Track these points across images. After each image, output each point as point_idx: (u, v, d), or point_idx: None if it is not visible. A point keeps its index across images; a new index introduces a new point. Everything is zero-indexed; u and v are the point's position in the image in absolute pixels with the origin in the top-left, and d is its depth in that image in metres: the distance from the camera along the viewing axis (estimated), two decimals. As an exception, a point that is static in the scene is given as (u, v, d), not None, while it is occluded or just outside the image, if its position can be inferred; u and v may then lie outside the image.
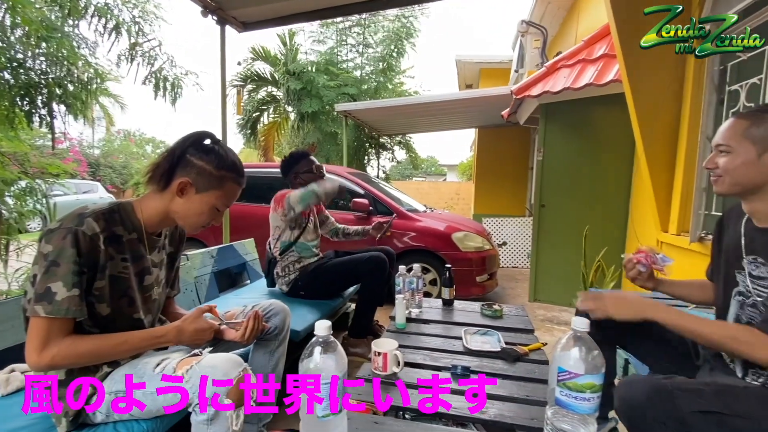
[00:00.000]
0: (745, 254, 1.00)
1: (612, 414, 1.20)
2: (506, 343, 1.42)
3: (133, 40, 3.53)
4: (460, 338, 1.47)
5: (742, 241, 1.02)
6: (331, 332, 0.76)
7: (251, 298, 2.02)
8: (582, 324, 0.75)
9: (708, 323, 0.94)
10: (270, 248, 2.22)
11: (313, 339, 0.75)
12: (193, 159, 1.02)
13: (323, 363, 0.73)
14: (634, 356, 1.34)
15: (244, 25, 3.03)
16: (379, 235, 2.35)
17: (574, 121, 3.40)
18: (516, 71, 5.77)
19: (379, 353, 1.18)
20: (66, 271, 0.86)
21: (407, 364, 1.28)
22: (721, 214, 1.21)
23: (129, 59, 3.73)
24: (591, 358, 0.73)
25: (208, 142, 1.06)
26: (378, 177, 8.35)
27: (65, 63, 2.75)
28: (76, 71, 2.85)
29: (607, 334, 1.28)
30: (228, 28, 2.98)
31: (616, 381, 1.31)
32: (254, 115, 9.12)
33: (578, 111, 3.33)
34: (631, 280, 1.23)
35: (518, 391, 1.13)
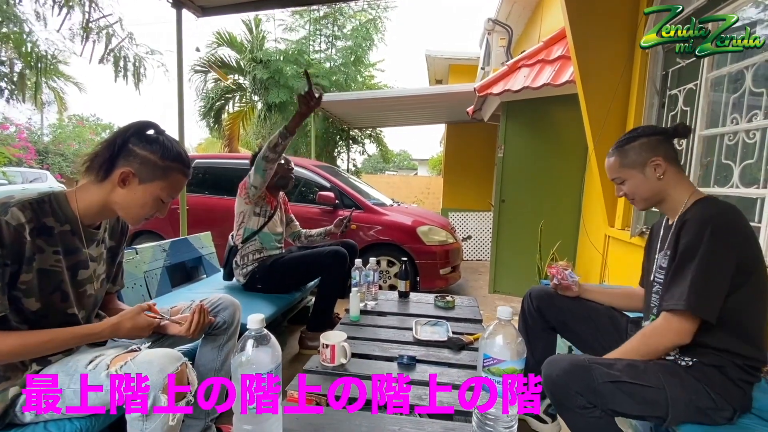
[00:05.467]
0: (659, 250, 1.13)
1: None
2: (454, 332, 1.47)
3: (86, 15, 3.28)
4: (411, 329, 1.51)
5: (660, 237, 1.16)
6: (265, 326, 0.76)
7: (205, 293, 1.96)
8: (506, 313, 0.79)
9: (629, 348, 1.01)
10: (232, 237, 2.18)
11: (246, 332, 0.75)
12: (136, 149, 0.98)
13: (256, 357, 0.73)
14: (573, 344, 1.44)
15: (203, 10, 2.90)
16: (340, 231, 2.37)
17: (533, 120, 3.52)
18: (482, 69, 5.88)
19: (327, 345, 1.20)
20: None
21: (357, 356, 1.30)
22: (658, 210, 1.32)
23: (83, 36, 3.44)
24: (513, 345, 0.77)
25: (151, 132, 1.03)
26: (348, 170, 8.30)
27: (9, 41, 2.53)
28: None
29: (548, 321, 1.37)
30: (185, 12, 2.85)
31: None
32: (218, 103, 8.80)
33: (537, 110, 3.45)
34: (554, 289, 1.36)
35: (459, 378, 1.18)
